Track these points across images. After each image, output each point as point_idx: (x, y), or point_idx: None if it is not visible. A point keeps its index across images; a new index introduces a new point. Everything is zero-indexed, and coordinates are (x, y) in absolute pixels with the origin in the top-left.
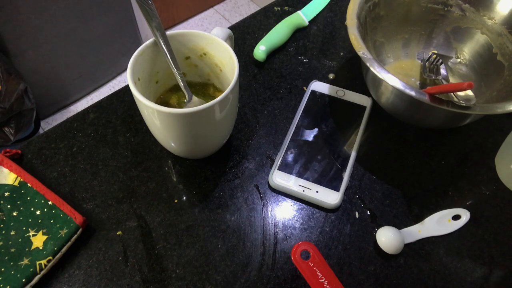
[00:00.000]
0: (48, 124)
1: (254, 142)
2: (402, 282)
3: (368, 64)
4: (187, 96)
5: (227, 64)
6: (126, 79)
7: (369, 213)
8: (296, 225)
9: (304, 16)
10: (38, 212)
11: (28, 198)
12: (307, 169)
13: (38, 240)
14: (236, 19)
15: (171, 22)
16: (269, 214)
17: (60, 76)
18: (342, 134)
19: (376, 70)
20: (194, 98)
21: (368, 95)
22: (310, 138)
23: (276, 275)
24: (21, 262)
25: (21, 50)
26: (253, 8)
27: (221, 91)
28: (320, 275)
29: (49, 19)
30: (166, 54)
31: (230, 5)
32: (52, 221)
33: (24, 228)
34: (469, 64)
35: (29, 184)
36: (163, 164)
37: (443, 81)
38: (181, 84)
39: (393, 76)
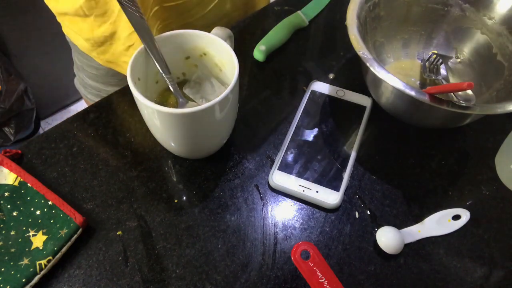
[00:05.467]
0: (48, 124)
1: (254, 142)
2: (402, 282)
3: (368, 64)
4: (178, 100)
5: (227, 64)
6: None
7: (369, 213)
8: (296, 225)
9: (304, 16)
10: (38, 212)
11: (28, 198)
12: (307, 169)
13: (38, 240)
14: None
15: None
16: (269, 214)
17: (60, 76)
18: (342, 134)
19: (376, 70)
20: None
21: (368, 95)
22: (310, 138)
23: (276, 275)
24: (21, 262)
25: (21, 50)
26: None
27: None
28: (320, 275)
29: (49, 19)
30: (154, 61)
31: None
32: (52, 221)
33: (24, 228)
34: (469, 64)
35: (29, 184)
36: (163, 164)
37: (443, 81)
38: (172, 88)
39: (393, 76)
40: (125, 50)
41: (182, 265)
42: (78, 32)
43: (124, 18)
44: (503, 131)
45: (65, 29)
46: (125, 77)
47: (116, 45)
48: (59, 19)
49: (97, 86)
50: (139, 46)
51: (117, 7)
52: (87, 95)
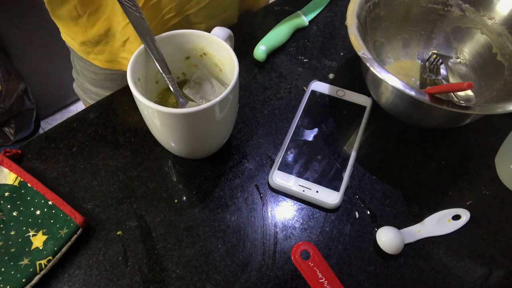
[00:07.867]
0: (48, 124)
1: (254, 142)
2: (402, 282)
3: (368, 64)
4: (178, 100)
5: (227, 64)
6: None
7: (369, 213)
8: (296, 225)
9: (304, 16)
10: (38, 212)
11: (28, 198)
12: (307, 169)
13: (38, 240)
14: None
15: None
16: (269, 214)
17: (60, 76)
18: (342, 134)
19: (376, 70)
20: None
21: (368, 95)
22: (310, 138)
23: (276, 275)
24: (21, 262)
25: (21, 50)
26: None
27: None
28: (320, 275)
29: (50, 19)
30: (154, 61)
31: None
32: (52, 221)
33: (24, 228)
34: (469, 64)
35: (29, 184)
36: (163, 164)
37: (443, 81)
38: (172, 88)
39: (393, 76)
40: (122, 46)
41: (182, 265)
42: (72, 37)
43: (117, 12)
44: (503, 131)
45: (62, 35)
46: (124, 82)
47: (113, 42)
48: (56, 22)
49: (97, 91)
50: (135, 39)
51: (111, 0)
52: (86, 99)
